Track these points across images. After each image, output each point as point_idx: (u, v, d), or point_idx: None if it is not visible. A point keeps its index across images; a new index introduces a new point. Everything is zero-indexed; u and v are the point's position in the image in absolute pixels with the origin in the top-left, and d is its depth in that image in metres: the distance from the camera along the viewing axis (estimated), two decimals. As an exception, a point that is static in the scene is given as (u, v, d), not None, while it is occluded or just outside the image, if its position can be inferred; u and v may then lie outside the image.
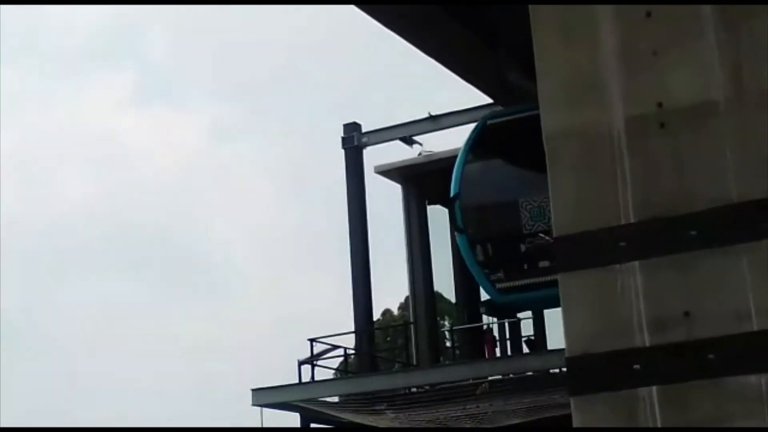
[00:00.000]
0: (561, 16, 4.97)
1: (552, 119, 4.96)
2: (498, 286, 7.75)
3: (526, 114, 7.48)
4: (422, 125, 13.42)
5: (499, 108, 8.59)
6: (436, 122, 12.99)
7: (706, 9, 4.62)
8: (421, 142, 13.46)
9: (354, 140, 13.84)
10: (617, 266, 4.58)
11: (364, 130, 14.18)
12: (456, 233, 7.97)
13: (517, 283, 7.66)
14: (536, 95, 7.64)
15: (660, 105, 4.66)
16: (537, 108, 7.58)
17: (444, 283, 12.98)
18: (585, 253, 4.68)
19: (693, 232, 4.48)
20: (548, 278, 7.39)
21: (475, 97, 9.84)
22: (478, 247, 7.88)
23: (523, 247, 7.55)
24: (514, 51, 7.81)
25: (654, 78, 4.70)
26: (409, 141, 13.68)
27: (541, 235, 7.35)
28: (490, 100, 9.16)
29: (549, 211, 6.98)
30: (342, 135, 14.23)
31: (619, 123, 4.72)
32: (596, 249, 4.65)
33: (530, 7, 5.09)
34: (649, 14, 4.75)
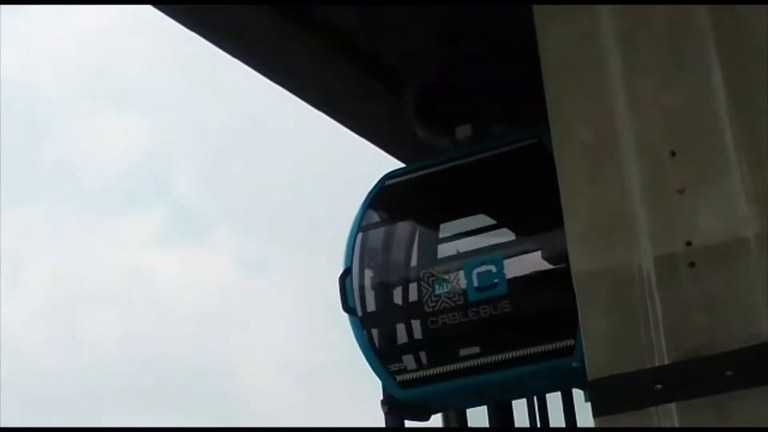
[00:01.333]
0: (586, 155, 4.92)
1: (580, 259, 4.91)
2: (399, 378, 6.48)
3: (431, 170, 6.35)
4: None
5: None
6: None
7: (731, 146, 4.61)
8: None
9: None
10: (653, 409, 4.54)
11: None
12: (348, 315, 6.67)
13: (422, 373, 6.40)
14: (444, 148, 6.61)
15: (689, 243, 4.61)
16: (443, 162, 6.50)
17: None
18: (620, 397, 4.64)
19: (729, 372, 4.43)
20: (461, 365, 6.17)
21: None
22: (374, 331, 6.58)
23: (427, 329, 6.32)
24: (422, 100, 6.71)
25: (681, 216, 4.66)
26: None
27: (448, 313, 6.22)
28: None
29: (456, 281, 5.92)
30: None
31: (648, 262, 4.68)
32: (631, 392, 4.61)
33: (554, 143, 5.03)
34: (673, 153, 4.70)
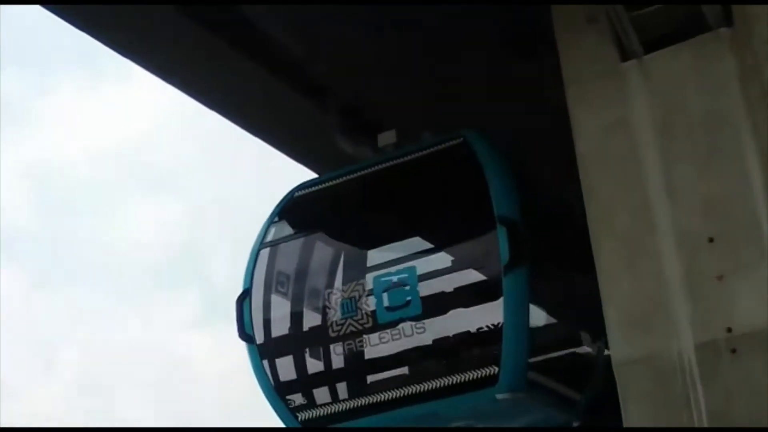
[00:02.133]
0: (623, 243, 4.93)
1: (620, 348, 4.86)
2: (300, 416, 5.55)
3: (344, 179, 5.48)
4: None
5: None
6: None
7: (765, 231, 4.66)
8: None
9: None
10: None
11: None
12: (245, 344, 5.77)
13: (326, 410, 5.48)
14: (363, 158, 5.82)
15: (729, 330, 4.64)
16: (358, 170, 5.68)
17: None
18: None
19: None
20: (370, 400, 5.25)
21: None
22: (273, 362, 5.67)
23: (333, 357, 5.41)
24: (346, 112, 5.92)
25: (721, 303, 4.71)
26: None
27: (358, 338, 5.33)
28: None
29: (364, 301, 5.08)
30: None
31: (688, 350, 4.71)
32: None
33: (591, 232, 4.99)
34: (711, 239, 4.74)
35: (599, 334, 5.92)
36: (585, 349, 5.99)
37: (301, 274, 5.86)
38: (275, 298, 5.88)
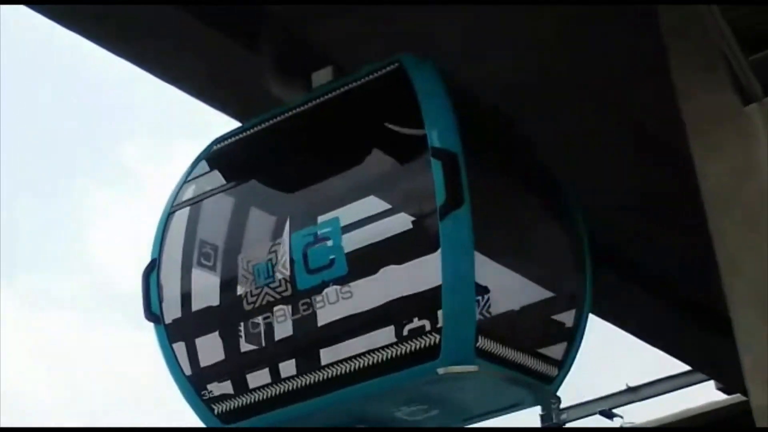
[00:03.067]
0: (756, 291, 4.69)
1: (759, 395, 4.64)
2: (217, 408, 4.56)
3: (264, 125, 4.48)
4: (621, 397, 13.51)
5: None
6: (635, 393, 13.43)
7: None
8: (621, 414, 13.49)
9: (552, 417, 12.05)
10: None
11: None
12: (153, 325, 4.81)
13: (246, 399, 4.48)
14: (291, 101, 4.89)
15: None
16: (278, 114, 4.73)
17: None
18: None
19: None
20: (294, 385, 4.23)
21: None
22: (184, 345, 4.69)
23: (248, 335, 4.42)
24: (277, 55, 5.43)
25: None
26: (609, 415, 13.62)
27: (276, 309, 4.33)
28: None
29: (282, 263, 4.11)
30: (540, 412, 12.53)
31: None
32: None
33: (723, 279, 4.74)
34: None
35: (578, 295, 4.88)
36: (561, 313, 4.89)
37: (216, 238, 4.86)
38: (187, 269, 4.90)
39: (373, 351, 4.25)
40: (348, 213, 4.44)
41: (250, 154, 4.92)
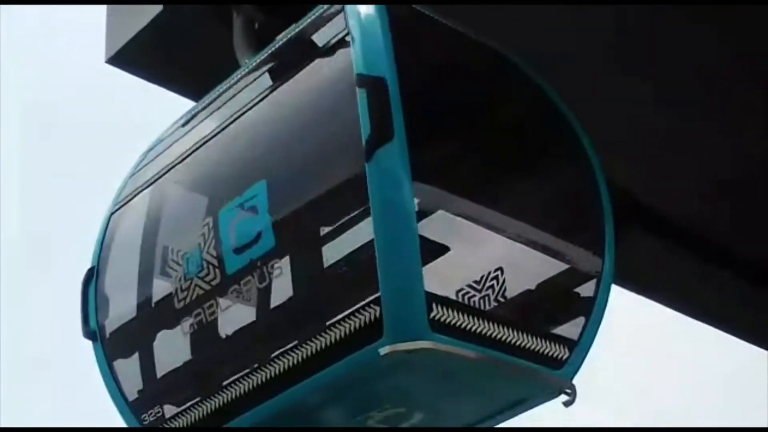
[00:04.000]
0: None
1: None
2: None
3: (210, 100, 3.80)
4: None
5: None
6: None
7: None
8: None
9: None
10: None
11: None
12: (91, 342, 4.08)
13: (186, 418, 3.64)
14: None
15: None
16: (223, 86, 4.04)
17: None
18: None
19: None
20: (230, 395, 3.39)
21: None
22: (121, 363, 3.92)
23: (180, 341, 3.63)
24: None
25: None
26: None
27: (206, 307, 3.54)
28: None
29: (210, 247, 3.38)
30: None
31: None
32: None
33: None
34: None
35: (594, 255, 3.82)
36: (570, 276, 3.81)
37: (153, 233, 4.09)
38: (124, 273, 4.14)
39: (309, 340, 3.36)
40: (276, 175, 3.61)
41: (189, 134, 4.16)
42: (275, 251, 3.47)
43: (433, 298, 3.24)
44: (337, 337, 3.29)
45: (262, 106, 3.81)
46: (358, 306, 3.23)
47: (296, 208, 3.50)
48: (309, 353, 3.35)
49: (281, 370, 3.43)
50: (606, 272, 3.75)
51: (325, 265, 3.41)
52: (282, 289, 3.49)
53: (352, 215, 3.34)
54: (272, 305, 3.53)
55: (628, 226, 5.03)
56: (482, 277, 3.59)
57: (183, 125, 4.22)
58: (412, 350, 3.18)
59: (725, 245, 6.23)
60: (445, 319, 3.26)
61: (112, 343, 4.02)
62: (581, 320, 3.69)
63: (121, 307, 4.07)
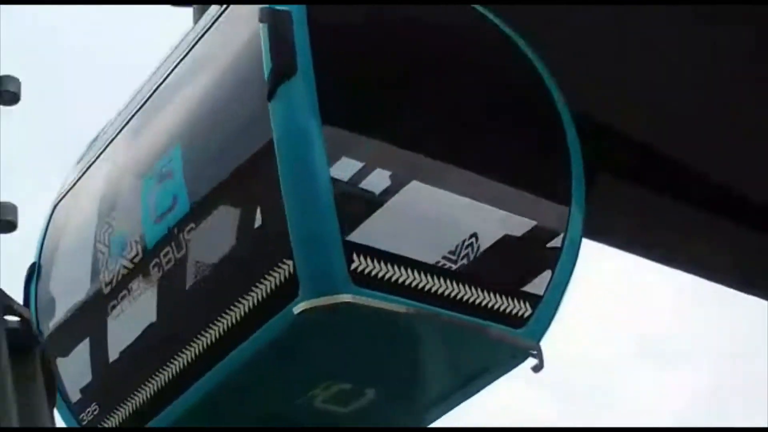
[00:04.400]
0: None
1: None
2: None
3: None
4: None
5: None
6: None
7: None
8: None
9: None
10: None
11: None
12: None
13: (117, 419, 3.30)
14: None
15: None
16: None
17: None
18: None
19: None
20: (156, 386, 3.06)
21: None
22: (62, 366, 3.61)
23: (111, 331, 3.31)
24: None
25: None
26: None
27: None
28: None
29: (133, 222, 3.07)
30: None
31: None
32: None
33: None
34: None
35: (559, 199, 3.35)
36: (530, 222, 3.32)
37: (89, 219, 3.77)
38: (65, 267, 3.83)
39: (227, 310, 2.99)
40: (189, 138, 3.28)
41: (123, 112, 3.86)
42: (190, 216, 3.13)
43: (354, 248, 2.85)
44: (253, 302, 2.92)
45: (177, 72, 3.50)
46: (272, 265, 2.86)
47: (206, 169, 3.16)
48: (227, 326, 2.98)
49: (202, 348, 3.07)
50: (573, 221, 3.29)
51: (243, 225, 3.05)
52: (201, 258, 3.14)
53: (265, 172, 2.97)
54: (193, 277, 3.18)
55: (601, 172, 4.38)
56: (414, 224, 3.19)
57: (122, 109, 3.92)
58: (330, 305, 2.79)
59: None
60: (370, 271, 2.86)
61: (53, 343, 3.69)
62: (546, 275, 3.23)
63: (60, 302, 3.76)
